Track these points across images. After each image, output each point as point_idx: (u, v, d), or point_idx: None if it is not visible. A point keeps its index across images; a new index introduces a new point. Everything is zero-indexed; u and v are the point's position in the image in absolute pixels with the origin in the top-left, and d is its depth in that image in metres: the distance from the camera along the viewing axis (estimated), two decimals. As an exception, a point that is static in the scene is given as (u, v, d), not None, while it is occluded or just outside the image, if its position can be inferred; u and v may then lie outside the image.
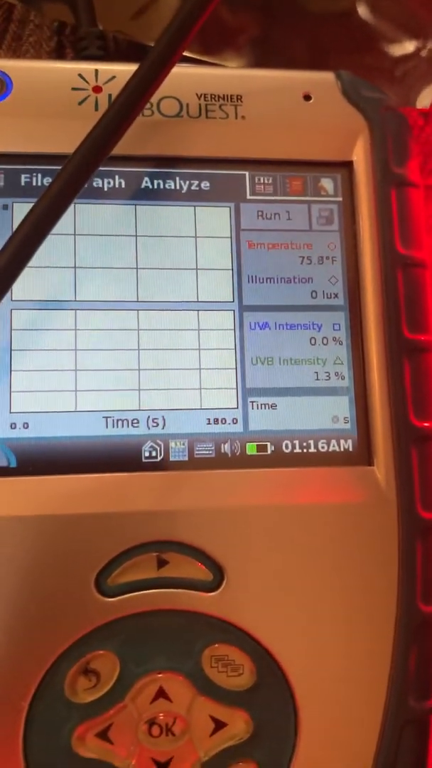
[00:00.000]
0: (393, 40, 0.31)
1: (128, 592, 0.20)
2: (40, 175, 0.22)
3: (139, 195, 0.23)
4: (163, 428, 0.22)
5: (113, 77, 0.23)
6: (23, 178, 0.22)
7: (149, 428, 0.22)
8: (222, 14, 0.30)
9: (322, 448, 0.22)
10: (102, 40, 0.27)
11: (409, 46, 0.31)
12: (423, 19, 0.31)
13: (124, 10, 0.30)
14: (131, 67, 0.21)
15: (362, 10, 0.31)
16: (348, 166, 0.23)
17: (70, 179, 0.20)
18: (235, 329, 0.22)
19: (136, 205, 0.23)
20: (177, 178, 0.23)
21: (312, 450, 0.22)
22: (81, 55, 0.27)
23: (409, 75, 0.31)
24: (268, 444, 0.22)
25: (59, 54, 0.32)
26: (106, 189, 0.23)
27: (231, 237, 0.23)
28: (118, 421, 0.21)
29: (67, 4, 0.31)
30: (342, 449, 0.22)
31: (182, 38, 0.20)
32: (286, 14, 0.31)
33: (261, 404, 0.22)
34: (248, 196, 0.23)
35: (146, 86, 0.20)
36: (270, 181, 0.23)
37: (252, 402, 0.22)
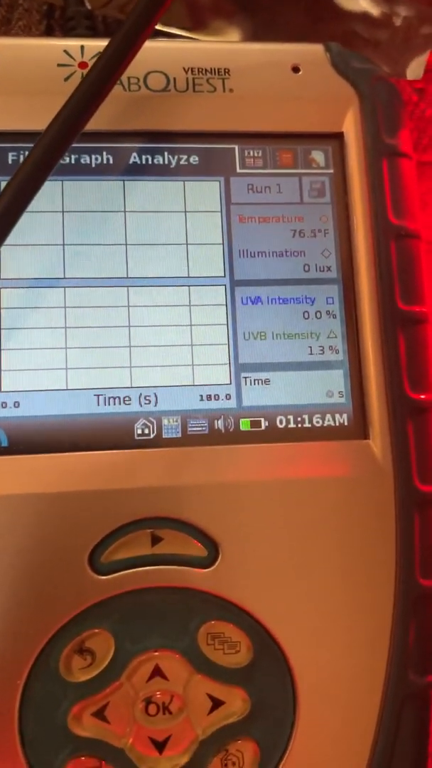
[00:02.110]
0: (362, 11, 0.30)
1: (122, 569, 0.20)
2: (27, 153, 0.22)
3: (127, 171, 0.22)
4: (155, 405, 0.21)
5: (99, 53, 0.23)
6: (10, 156, 0.22)
7: (141, 405, 0.21)
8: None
9: (317, 422, 0.22)
10: (90, 19, 0.27)
11: (376, 13, 0.30)
12: None
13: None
14: (117, 42, 0.20)
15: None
16: (339, 137, 0.23)
17: (43, 156, 0.19)
18: (226, 304, 0.22)
19: (124, 180, 0.22)
20: (165, 153, 0.23)
21: (306, 425, 0.22)
22: (70, 35, 0.26)
23: (388, 45, 0.30)
24: (262, 419, 0.22)
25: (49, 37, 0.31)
26: (93, 165, 0.22)
27: (221, 211, 0.23)
28: (109, 398, 0.21)
29: (56, -14, 0.30)
30: (337, 423, 0.22)
31: (154, 10, 0.20)
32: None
33: (254, 380, 0.22)
34: (238, 170, 0.23)
35: (119, 58, 0.20)
36: (260, 154, 0.23)
37: (245, 377, 0.22)
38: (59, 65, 0.23)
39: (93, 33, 0.27)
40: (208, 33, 0.30)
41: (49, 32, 0.31)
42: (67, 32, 0.27)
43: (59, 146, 0.20)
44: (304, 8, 0.29)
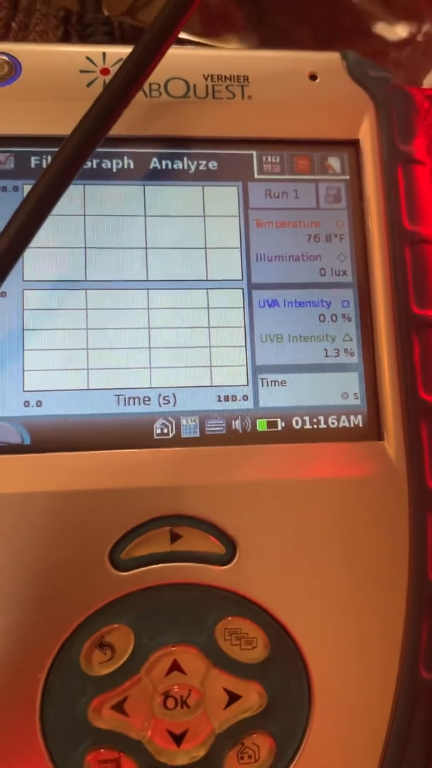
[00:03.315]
0: (385, 25, 0.31)
1: (142, 566, 0.20)
2: (49, 157, 0.22)
3: (147, 175, 0.23)
4: (174, 405, 0.22)
5: (120, 60, 0.23)
6: (33, 161, 0.22)
7: (161, 405, 0.22)
8: (213, 2, 0.31)
9: (332, 423, 0.22)
10: (108, 25, 0.28)
11: (402, 32, 0.31)
12: (412, 2, 0.31)
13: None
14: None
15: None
16: (354, 144, 0.24)
17: (67, 160, 0.20)
18: (244, 307, 0.23)
19: (144, 185, 0.23)
20: (185, 159, 0.23)
21: (322, 426, 0.22)
22: (88, 41, 0.27)
23: (408, 60, 0.31)
24: (279, 420, 0.22)
25: (65, 43, 0.32)
26: (114, 170, 0.23)
27: (239, 216, 0.23)
28: (129, 398, 0.22)
29: (73, -7, 0.31)
30: (352, 425, 0.22)
31: (177, 19, 0.21)
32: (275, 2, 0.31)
33: (271, 381, 0.22)
34: (256, 176, 0.23)
35: (142, 66, 0.21)
36: (277, 160, 0.23)
37: (262, 379, 0.22)
38: (81, 71, 0.23)
39: (111, 39, 0.28)
40: (218, 42, 0.31)
41: (65, 38, 0.32)
42: (85, 38, 0.28)
43: (83, 151, 0.20)
44: (317, 26, 0.30)
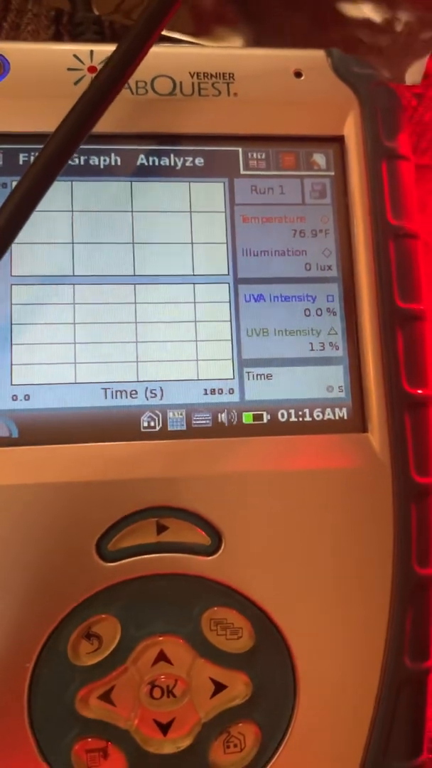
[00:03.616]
0: (363, 16, 0.31)
1: (129, 556, 0.21)
2: (37, 154, 0.23)
3: (134, 172, 0.23)
4: (161, 399, 0.22)
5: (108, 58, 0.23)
6: (21, 157, 0.23)
7: (147, 399, 0.22)
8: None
9: (318, 416, 0.23)
10: (98, 24, 0.28)
11: (377, 18, 0.31)
12: None
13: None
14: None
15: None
16: (339, 140, 0.24)
17: (53, 156, 0.20)
18: (230, 302, 0.23)
19: (132, 181, 0.23)
20: (172, 155, 0.23)
21: (307, 418, 0.22)
22: (78, 40, 0.27)
23: (389, 50, 0.31)
24: (264, 413, 0.22)
25: (57, 42, 0.32)
26: (102, 166, 0.23)
27: (225, 211, 0.23)
28: (116, 392, 0.22)
29: (64, -7, 0.31)
30: (337, 417, 0.23)
31: (161, 16, 0.21)
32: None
33: (257, 374, 0.23)
34: (242, 172, 0.23)
35: (127, 63, 0.21)
36: (263, 156, 0.24)
37: (248, 372, 0.23)
38: (69, 69, 0.23)
39: (101, 38, 0.28)
40: (212, 39, 0.31)
41: (57, 37, 0.32)
42: (76, 37, 0.28)
43: (68, 147, 0.20)
44: (306, 15, 0.30)
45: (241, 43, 0.31)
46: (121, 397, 0.22)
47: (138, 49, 0.21)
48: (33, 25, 0.32)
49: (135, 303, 0.22)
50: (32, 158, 0.23)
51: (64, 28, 0.32)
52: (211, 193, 0.23)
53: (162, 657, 0.21)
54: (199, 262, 0.23)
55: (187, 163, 0.23)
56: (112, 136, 0.23)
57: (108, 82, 0.20)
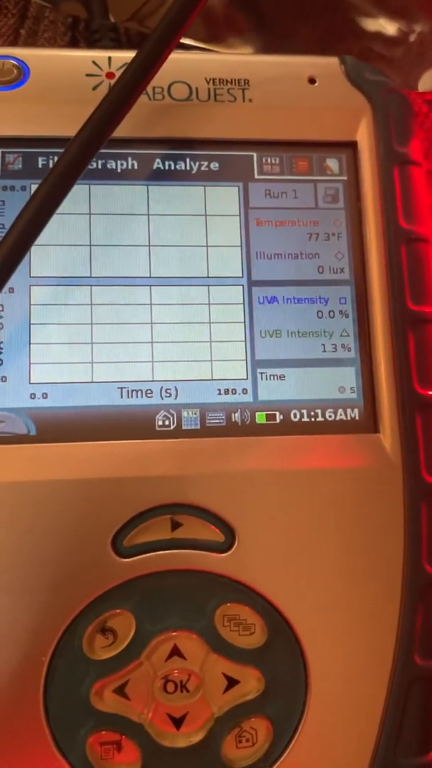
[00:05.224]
0: (375, 22, 0.31)
1: (143, 552, 0.21)
2: (56, 158, 0.23)
3: (151, 176, 0.24)
4: (175, 398, 0.22)
5: (125, 64, 0.24)
6: (40, 161, 0.23)
7: (162, 398, 0.22)
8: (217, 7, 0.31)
9: (330, 416, 0.23)
10: (114, 32, 0.28)
11: (391, 29, 0.31)
12: (405, 2, 0.32)
13: (134, 1, 0.31)
14: (143, 54, 0.21)
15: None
16: (352, 146, 0.24)
17: (72, 161, 0.21)
18: (244, 303, 0.23)
19: (148, 185, 0.24)
20: (187, 159, 0.24)
21: (320, 419, 0.23)
22: (95, 47, 0.28)
23: (401, 60, 0.31)
24: (277, 413, 0.23)
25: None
26: (119, 170, 0.24)
27: (240, 215, 0.24)
28: (132, 391, 0.22)
29: (80, 0, 0.32)
30: (349, 418, 0.23)
31: (180, 24, 0.21)
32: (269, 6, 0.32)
33: (270, 375, 0.23)
34: (256, 176, 0.24)
35: (146, 69, 0.21)
36: (277, 161, 0.24)
37: (261, 373, 0.23)
38: (87, 75, 0.24)
39: (117, 45, 0.28)
40: (222, 46, 0.32)
41: (73, 44, 0.33)
42: (92, 44, 0.28)
43: (88, 152, 0.21)
44: (319, 27, 0.31)
45: (250, 52, 0.32)
46: (137, 396, 0.22)
47: (158, 56, 0.21)
48: (50, 32, 0.33)
49: (151, 304, 0.23)
50: (51, 162, 0.23)
51: (80, 35, 0.33)
52: (226, 196, 0.24)
53: (176, 652, 0.21)
54: (213, 265, 0.23)
55: (203, 168, 0.24)
56: (129, 141, 0.23)
57: (128, 88, 0.21)
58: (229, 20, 0.33)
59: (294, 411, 0.23)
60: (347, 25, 0.31)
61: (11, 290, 0.22)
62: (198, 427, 0.22)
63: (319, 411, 0.23)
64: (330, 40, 0.30)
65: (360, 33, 0.31)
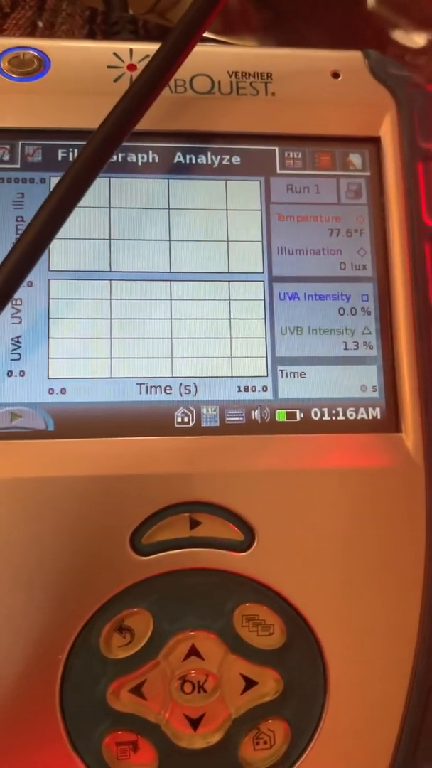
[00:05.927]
0: (402, 33, 0.31)
1: (162, 550, 0.21)
2: (76, 150, 0.23)
3: (172, 169, 0.23)
4: (195, 395, 0.22)
5: (147, 56, 0.23)
6: (60, 153, 0.23)
7: (182, 395, 0.22)
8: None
9: (351, 415, 0.23)
10: (133, 24, 0.28)
11: (419, 40, 0.31)
12: (429, 10, 0.32)
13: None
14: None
15: (371, 2, 0.32)
16: (376, 141, 0.24)
17: (94, 154, 0.20)
18: (264, 299, 0.23)
19: (169, 179, 0.23)
20: (209, 153, 0.23)
21: (341, 417, 0.23)
22: (113, 40, 0.27)
23: (426, 66, 0.31)
24: (297, 411, 0.22)
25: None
26: (140, 164, 0.23)
27: (261, 210, 0.23)
28: (151, 387, 0.22)
29: (99, -7, 0.32)
30: (370, 417, 0.23)
31: (204, 17, 0.21)
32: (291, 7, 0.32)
33: (290, 373, 0.23)
34: (278, 171, 0.24)
35: (170, 62, 0.21)
36: (299, 155, 0.24)
37: (281, 370, 0.23)
38: (109, 67, 0.23)
39: (136, 37, 0.28)
40: (236, 39, 0.31)
41: (91, 36, 0.33)
42: (111, 36, 0.28)
43: (110, 145, 0.21)
44: (333, 29, 0.30)
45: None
46: (156, 392, 0.22)
47: (181, 49, 0.21)
48: (67, 24, 0.33)
49: (170, 299, 0.23)
50: (70, 155, 0.23)
51: (98, 28, 0.33)
52: (248, 191, 0.23)
53: (193, 652, 0.21)
54: (234, 260, 0.23)
55: (224, 162, 0.24)
56: (150, 134, 0.23)
57: (152, 81, 0.21)
58: (243, 16, 0.32)
59: (315, 409, 0.22)
60: (363, 31, 0.31)
61: (30, 284, 0.22)
62: (217, 424, 0.22)
63: (340, 409, 0.23)
64: (344, 46, 0.30)
65: (379, 40, 0.31)
